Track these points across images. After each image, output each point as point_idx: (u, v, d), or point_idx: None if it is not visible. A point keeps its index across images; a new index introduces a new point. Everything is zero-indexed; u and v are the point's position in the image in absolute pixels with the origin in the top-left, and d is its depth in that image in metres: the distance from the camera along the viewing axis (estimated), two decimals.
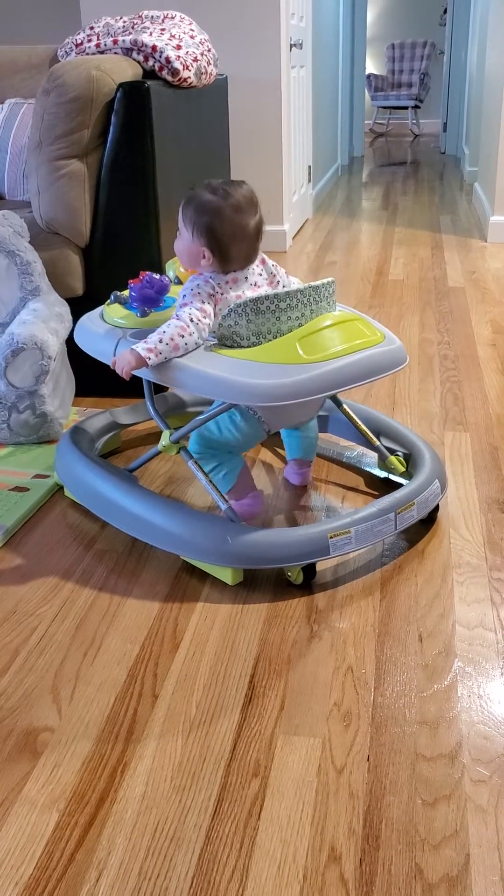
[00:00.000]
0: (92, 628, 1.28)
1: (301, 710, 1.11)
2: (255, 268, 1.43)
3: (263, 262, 1.46)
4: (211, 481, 1.43)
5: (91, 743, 1.07)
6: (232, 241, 1.36)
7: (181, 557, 1.44)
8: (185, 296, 1.38)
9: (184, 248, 1.40)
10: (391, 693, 1.14)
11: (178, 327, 1.33)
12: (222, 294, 1.38)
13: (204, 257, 1.38)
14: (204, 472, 1.44)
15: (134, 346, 1.34)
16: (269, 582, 1.38)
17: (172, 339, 1.32)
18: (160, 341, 1.33)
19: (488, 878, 0.88)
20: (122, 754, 1.05)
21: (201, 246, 1.37)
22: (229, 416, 1.43)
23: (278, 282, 1.47)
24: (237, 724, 1.09)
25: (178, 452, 1.47)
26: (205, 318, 1.35)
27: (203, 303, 1.36)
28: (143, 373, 1.38)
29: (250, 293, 1.40)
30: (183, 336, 1.33)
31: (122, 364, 1.35)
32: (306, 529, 1.36)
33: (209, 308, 1.36)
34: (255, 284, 1.42)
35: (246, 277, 1.41)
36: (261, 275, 1.44)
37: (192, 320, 1.33)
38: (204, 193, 1.37)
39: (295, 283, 1.50)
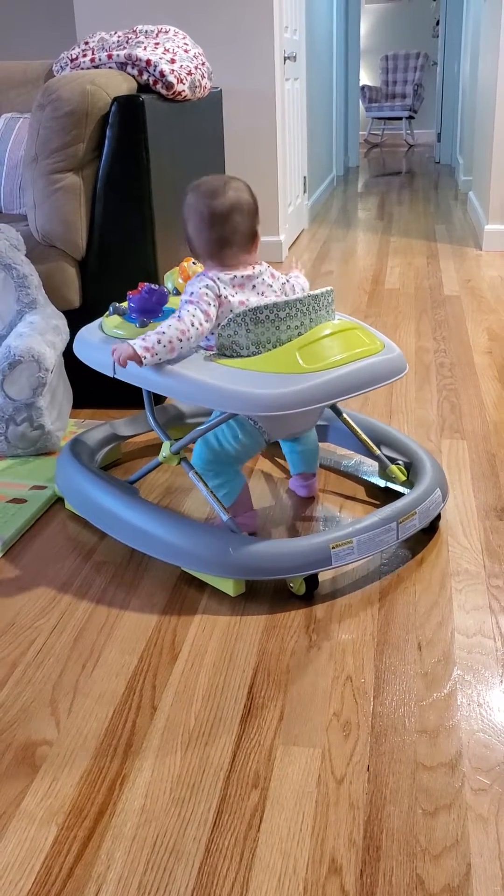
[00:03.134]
0: (90, 640, 1.28)
1: (300, 720, 1.11)
2: (266, 277, 1.43)
3: (273, 276, 1.45)
4: (212, 492, 1.43)
5: (90, 756, 1.06)
6: (191, 224, 1.42)
7: (180, 568, 1.44)
8: (192, 293, 1.37)
9: None
10: (391, 702, 1.14)
11: (178, 331, 1.33)
12: (226, 298, 1.38)
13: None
14: (205, 483, 1.44)
15: (132, 342, 1.34)
16: (267, 592, 1.38)
17: (171, 342, 1.33)
18: (158, 342, 1.33)
19: (490, 888, 0.88)
20: (121, 767, 1.05)
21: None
22: (228, 427, 1.43)
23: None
24: (236, 735, 1.09)
25: (178, 463, 1.47)
26: (206, 322, 1.35)
27: (209, 305, 1.36)
28: (142, 382, 1.38)
29: (255, 300, 1.40)
30: (181, 340, 1.33)
31: (118, 353, 1.35)
32: (308, 540, 1.36)
33: (213, 311, 1.37)
34: (261, 294, 1.42)
35: (254, 286, 1.41)
36: (270, 286, 1.43)
37: (193, 325, 1.33)
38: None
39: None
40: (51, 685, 1.19)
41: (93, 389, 2.04)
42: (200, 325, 1.34)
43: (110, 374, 1.42)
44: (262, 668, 1.21)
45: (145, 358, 1.33)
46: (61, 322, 1.93)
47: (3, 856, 0.93)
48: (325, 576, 1.41)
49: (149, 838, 0.95)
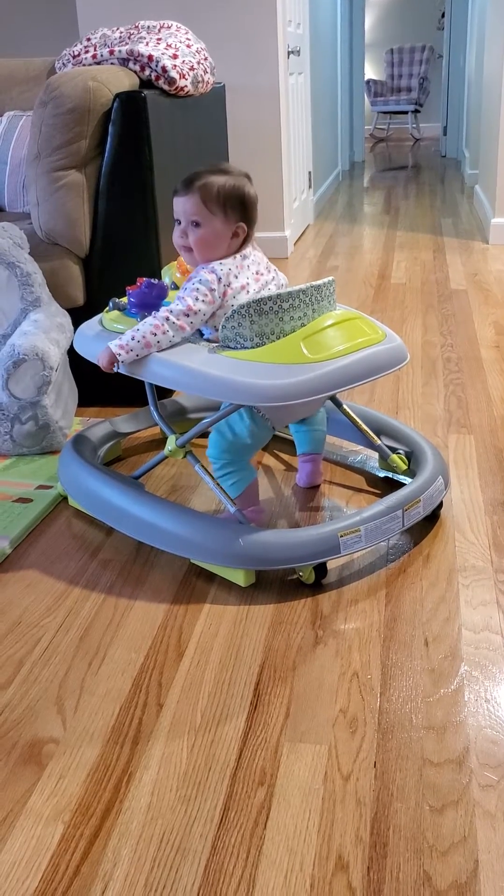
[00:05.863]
0: (97, 638, 1.28)
1: (307, 716, 1.11)
2: (257, 254, 1.47)
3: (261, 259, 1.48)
4: (219, 485, 1.43)
5: (96, 753, 1.06)
6: (235, 212, 1.41)
7: (186, 564, 1.44)
8: (186, 288, 1.41)
9: (209, 234, 1.40)
10: (397, 698, 1.13)
11: (152, 325, 1.37)
12: (229, 285, 1.40)
13: (236, 235, 1.42)
14: (211, 475, 1.44)
15: (109, 343, 1.38)
16: (274, 585, 1.38)
17: (144, 337, 1.37)
18: (132, 338, 1.37)
19: (497, 884, 0.87)
20: (128, 764, 1.04)
21: (237, 221, 1.41)
22: (240, 416, 1.43)
23: (273, 277, 1.49)
24: (242, 732, 1.09)
25: (184, 457, 1.47)
26: (187, 315, 1.37)
27: (196, 300, 1.37)
28: (147, 375, 1.38)
29: (253, 280, 1.43)
30: (156, 334, 1.37)
31: (101, 361, 1.41)
32: (317, 529, 1.36)
33: (201, 306, 1.37)
34: (257, 272, 1.45)
35: (248, 265, 1.44)
36: (260, 262, 1.47)
37: (167, 319, 1.37)
38: (219, 176, 1.41)
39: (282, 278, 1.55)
40: (57, 683, 1.19)
41: (98, 388, 2.04)
42: (177, 318, 1.37)
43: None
44: (269, 664, 1.21)
45: (120, 355, 1.37)
46: (65, 320, 1.93)
47: (10, 854, 0.93)
48: (331, 570, 1.41)
49: (155, 836, 0.95)
